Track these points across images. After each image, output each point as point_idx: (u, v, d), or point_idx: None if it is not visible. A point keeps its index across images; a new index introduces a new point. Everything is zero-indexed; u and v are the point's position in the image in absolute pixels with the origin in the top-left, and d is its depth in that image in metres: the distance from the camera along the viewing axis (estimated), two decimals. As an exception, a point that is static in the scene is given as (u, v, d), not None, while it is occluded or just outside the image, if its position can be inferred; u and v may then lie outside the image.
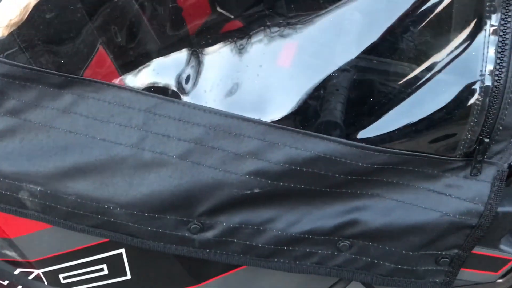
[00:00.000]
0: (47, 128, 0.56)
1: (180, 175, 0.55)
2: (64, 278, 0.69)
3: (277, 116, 0.55)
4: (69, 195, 0.56)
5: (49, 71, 0.55)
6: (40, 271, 0.70)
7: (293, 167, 0.54)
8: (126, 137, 0.55)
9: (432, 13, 0.55)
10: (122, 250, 0.65)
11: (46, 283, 0.71)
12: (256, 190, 0.55)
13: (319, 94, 0.55)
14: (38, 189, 0.57)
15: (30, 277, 0.72)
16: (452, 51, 0.53)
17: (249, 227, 0.58)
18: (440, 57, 0.54)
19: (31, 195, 0.58)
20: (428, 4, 0.54)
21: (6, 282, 0.73)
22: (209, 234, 0.58)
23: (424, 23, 0.55)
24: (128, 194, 0.56)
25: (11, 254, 0.68)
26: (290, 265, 0.61)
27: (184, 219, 0.57)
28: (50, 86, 0.55)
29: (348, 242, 0.59)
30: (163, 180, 0.55)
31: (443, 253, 0.60)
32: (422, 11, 0.55)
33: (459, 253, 0.59)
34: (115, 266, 0.66)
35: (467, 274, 0.63)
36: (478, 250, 0.61)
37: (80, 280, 0.69)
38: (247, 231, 0.58)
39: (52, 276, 0.69)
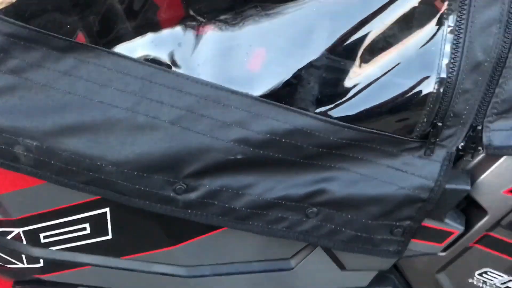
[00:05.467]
0: (47, 88, 0.60)
1: (170, 139, 0.60)
2: (45, 237, 0.72)
3: (263, 91, 0.61)
4: (64, 151, 0.61)
5: (55, 34, 0.59)
6: (20, 229, 0.72)
7: (274, 137, 0.61)
8: (122, 100, 0.60)
9: (398, 14, 0.63)
10: (107, 209, 0.69)
11: (24, 242, 0.74)
12: (239, 156, 0.61)
13: (299, 76, 0.62)
14: (34, 144, 0.61)
15: (9, 237, 0.74)
16: (414, 46, 0.62)
17: (229, 190, 0.64)
18: (404, 51, 0.63)
19: (26, 149, 0.61)
20: (394, 6, 0.63)
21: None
22: (193, 195, 0.64)
23: (391, 22, 0.63)
24: (120, 153, 0.61)
25: (-6, 212, 0.71)
26: (263, 228, 0.67)
27: (171, 179, 0.63)
28: (54, 49, 0.60)
29: (316, 209, 0.66)
30: (154, 142, 0.60)
31: (397, 223, 0.68)
32: (389, 11, 0.63)
33: (410, 224, 0.68)
34: (98, 225, 0.70)
35: (415, 244, 0.71)
36: (426, 223, 0.69)
37: (60, 239, 0.72)
38: (227, 194, 0.64)
39: (32, 235, 0.72)
